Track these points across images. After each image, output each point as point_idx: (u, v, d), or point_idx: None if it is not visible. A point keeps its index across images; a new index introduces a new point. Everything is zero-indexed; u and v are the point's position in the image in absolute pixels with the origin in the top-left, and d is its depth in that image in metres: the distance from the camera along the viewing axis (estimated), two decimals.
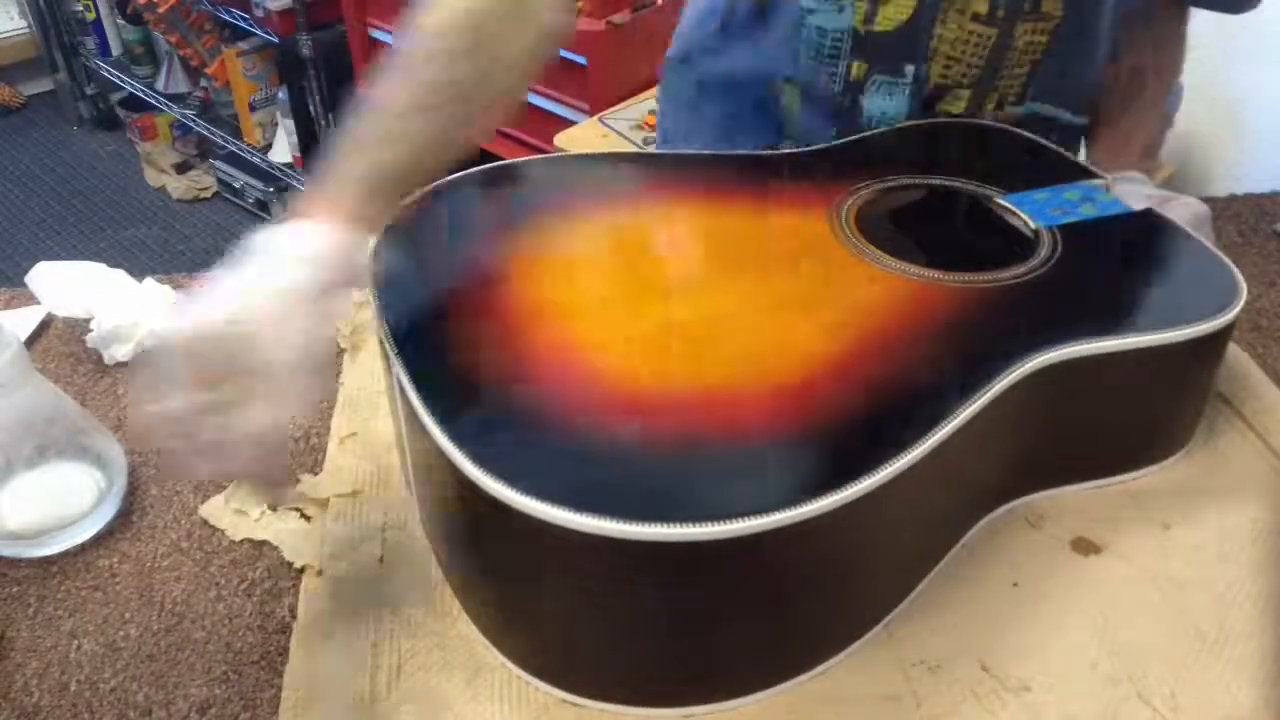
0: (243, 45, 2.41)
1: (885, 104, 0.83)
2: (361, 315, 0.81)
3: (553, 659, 0.55)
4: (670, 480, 0.50)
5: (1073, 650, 0.58)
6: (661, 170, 0.77)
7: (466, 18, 0.60)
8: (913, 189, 0.75)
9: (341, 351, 0.79)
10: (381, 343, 0.59)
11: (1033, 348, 0.59)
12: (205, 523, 0.66)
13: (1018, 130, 0.84)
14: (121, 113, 2.92)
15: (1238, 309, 0.64)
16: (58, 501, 0.65)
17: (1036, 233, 0.70)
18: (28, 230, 2.58)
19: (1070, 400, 0.62)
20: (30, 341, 0.81)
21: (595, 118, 1.74)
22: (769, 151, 0.83)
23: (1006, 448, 0.61)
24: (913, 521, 0.57)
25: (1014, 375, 0.57)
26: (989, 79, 0.82)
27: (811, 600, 0.54)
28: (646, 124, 1.69)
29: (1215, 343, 0.65)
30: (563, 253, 0.66)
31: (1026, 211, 0.71)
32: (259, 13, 2.20)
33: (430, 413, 0.52)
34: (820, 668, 0.56)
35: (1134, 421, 0.67)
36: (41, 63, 2.99)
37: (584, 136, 1.70)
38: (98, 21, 2.83)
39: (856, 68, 0.82)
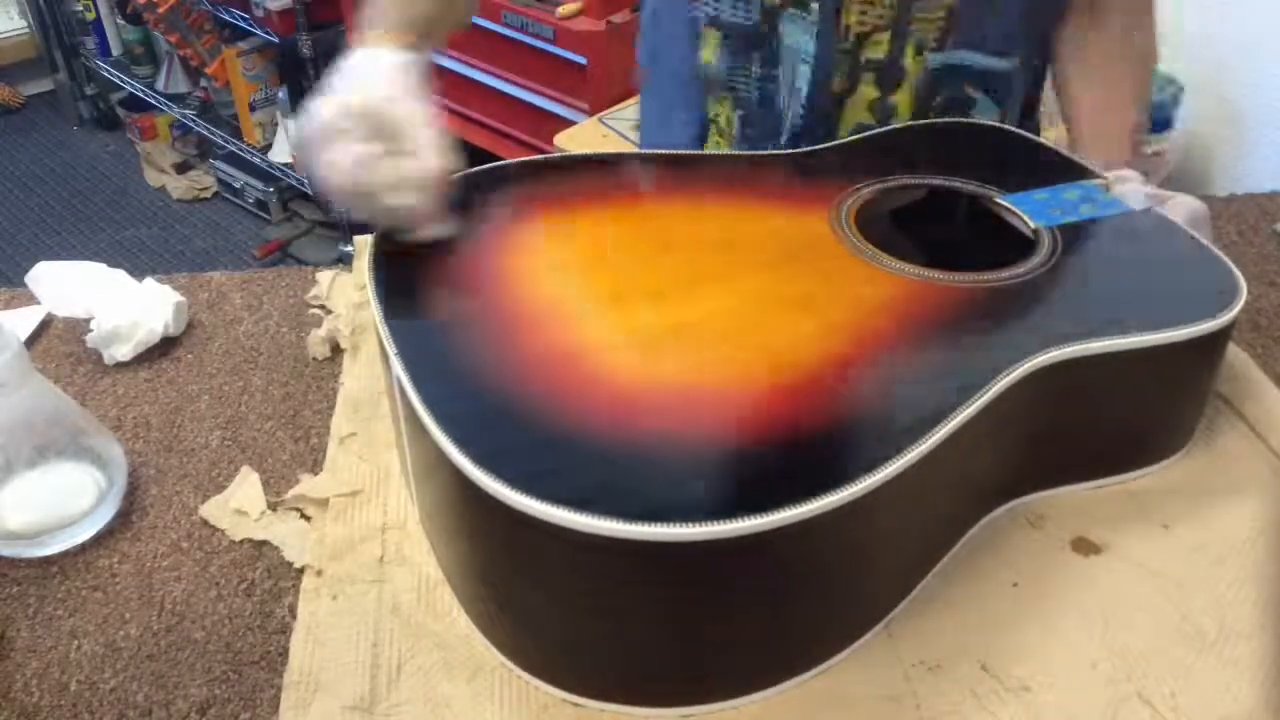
0: (243, 45, 2.41)
1: (801, 40, 0.84)
2: (362, 315, 0.81)
3: (553, 659, 0.55)
4: (670, 480, 0.50)
5: (1073, 650, 0.58)
6: (662, 170, 0.77)
7: None
8: (913, 189, 0.75)
9: (341, 351, 0.79)
10: (381, 343, 0.59)
11: (1033, 348, 0.59)
12: (205, 523, 0.66)
13: (1018, 130, 0.84)
14: (121, 113, 2.93)
15: (1238, 309, 0.64)
16: (58, 501, 0.65)
17: (1036, 232, 0.70)
18: (28, 230, 2.58)
19: (1070, 400, 0.62)
20: (30, 341, 0.81)
21: (595, 118, 1.74)
22: (769, 152, 0.83)
23: (1006, 448, 0.61)
24: (913, 521, 0.57)
25: (1014, 375, 0.57)
26: (905, 22, 0.82)
27: (811, 600, 0.54)
28: None
29: (1215, 343, 0.65)
30: (562, 253, 0.66)
31: (1026, 211, 0.72)
32: (259, 13, 2.20)
33: (430, 413, 0.52)
34: (820, 668, 0.56)
35: (1134, 421, 0.67)
36: (41, 63, 3.00)
37: (584, 136, 1.70)
38: (98, 21, 2.83)
39: None
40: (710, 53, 0.88)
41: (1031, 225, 0.70)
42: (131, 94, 2.81)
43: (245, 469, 0.69)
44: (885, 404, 0.55)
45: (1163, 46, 0.91)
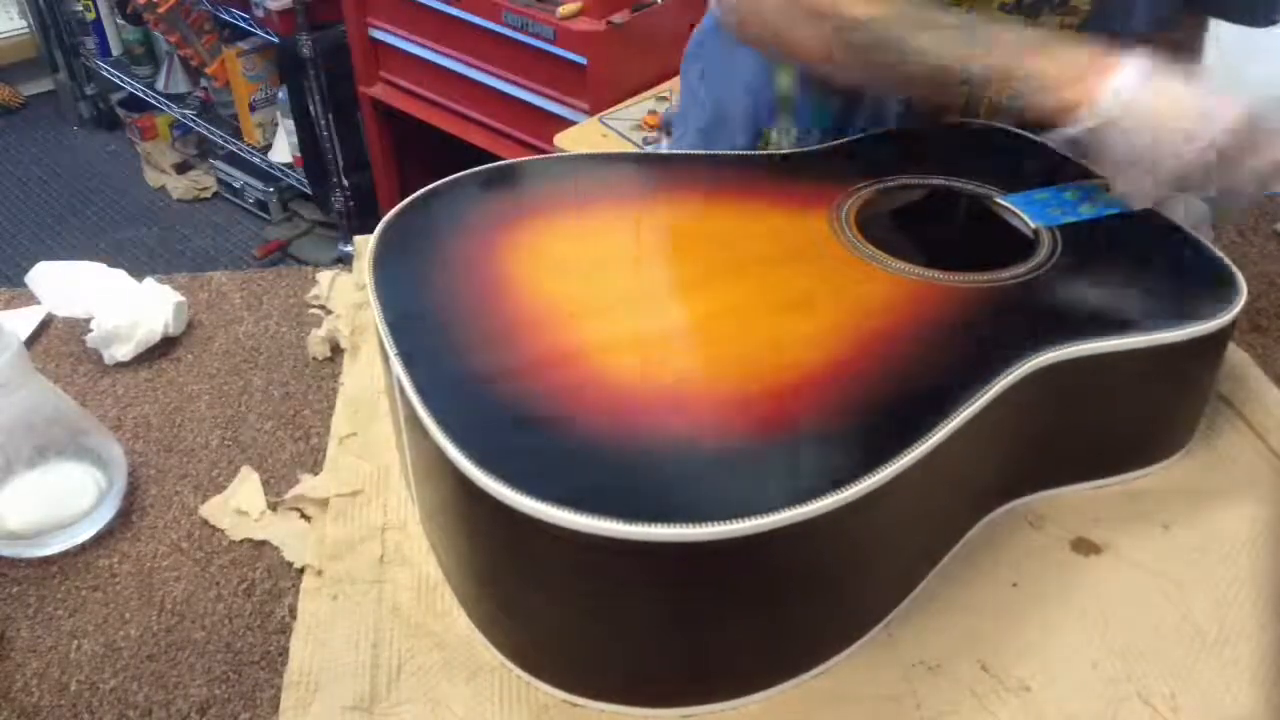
0: (243, 45, 2.41)
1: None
2: (362, 315, 0.81)
3: (553, 659, 0.55)
4: (670, 481, 0.50)
5: (1073, 650, 0.58)
6: (662, 170, 0.77)
7: None
8: (913, 189, 0.75)
9: (341, 351, 0.79)
10: (381, 343, 0.59)
11: (1033, 348, 0.59)
12: (205, 523, 0.66)
13: (1017, 130, 0.84)
14: (121, 113, 2.92)
15: (1238, 309, 0.64)
16: (58, 501, 0.65)
17: (1036, 233, 0.70)
18: (28, 230, 2.58)
19: (1070, 400, 0.62)
20: (30, 341, 0.81)
21: (595, 118, 1.73)
22: (769, 152, 0.83)
23: (1006, 448, 0.61)
24: (913, 521, 0.57)
25: (1014, 375, 0.57)
26: None
27: (811, 600, 0.54)
28: (646, 124, 1.69)
29: (1215, 342, 0.65)
30: (563, 253, 0.66)
31: (1026, 211, 0.71)
32: (259, 13, 2.19)
33: (430, 413, 0.52)
34: (820, 668, 0.56)
35: (1134, 421, 0.67)
36: (41, 63, 3.00)
37: (584, 136, 1.70)
38: (98, 21, 2.83)
39: None
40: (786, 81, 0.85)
41: (1031, 225, 0.70)
42: (131, 94, 2.80)
43: (245, 469, 0.69)
44: (885, 404, 0.55)
45: None
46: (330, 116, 2.21)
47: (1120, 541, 0.64)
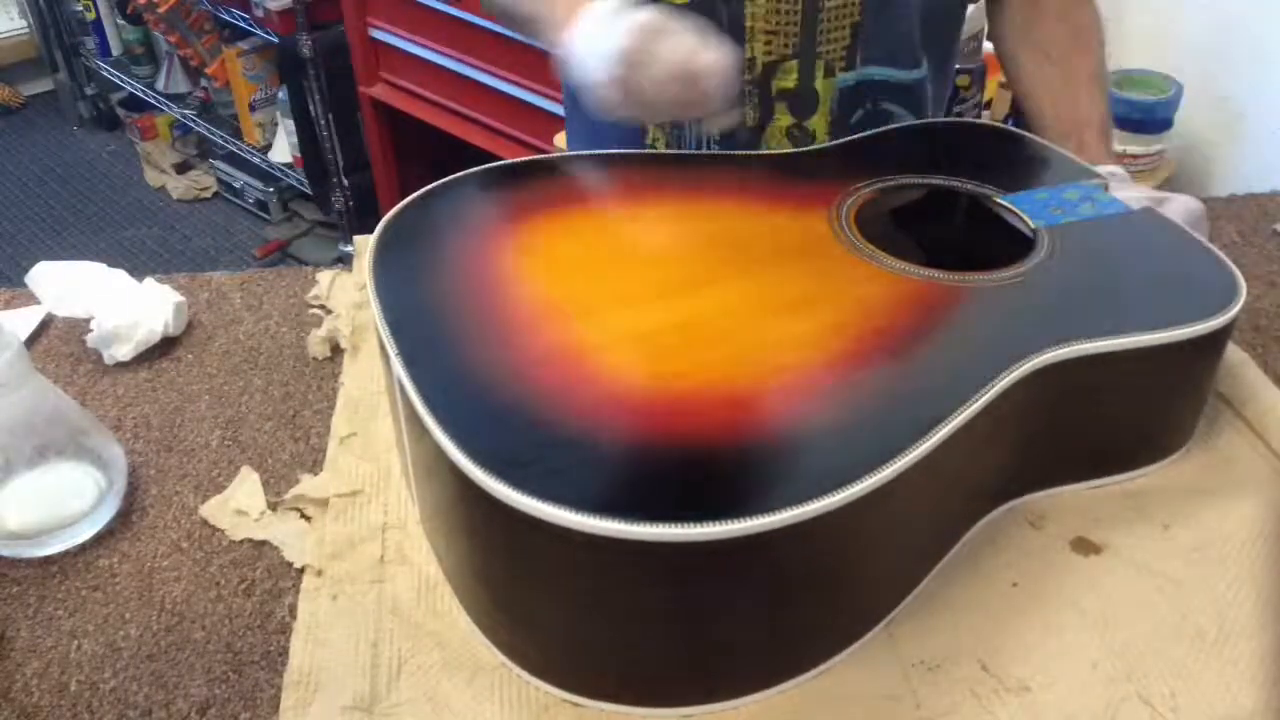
0: (243, 45, 2.41)
1: None
2: (362, 315, 0.81)
3: (553, 659, 0.55)
4: (671, 480, 0.50)
5: (1073, 650, 0.58)
6: (661, 170, 0.77)
7: None
8: (912, 188, 0.75)
9: (341, 351, 0.79)
10: (381, 343, 0.59)
11: (1032, 347, 0.59)
12: (205, 523, 0.66)
13: (1017, 130, 0.84)
14: (121, 113, 2.92)
15: (1238, 309, 0.64)
16: (58, 501, 0.65)
17: (1036, 232, 0.70)
18: (28, 230, 2.58)
19: (1070, 400, 0.62)
20: (30, 341, 0.81)
21: None
22: (769, 152, 0.83)
23: (1007, 447, 0.61)
24: (913, 521, 0.57)
25: (1014, 375, 0.57)
26: (809, 47, 0.82)
27: (812, 600, 0.54)
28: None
29: (1215, 342, 0.65)
30: (563, 252, 0.66)
31: (1026, 211, 0.72)
32: (259, 13, 2.19)
33: (430, 413, 0.52)
34: (820, 667, 0.56)
35: (1134, 421, 0.67)
36: (41, 63, 3.00)
37: None
38: (98, 21, 2.83)
39: None
40: None
41: (1031, 225, 0.70)
42: (131, 94, 2.80)
43: (245, 469, 0.69)
44: (885, 404, 0.55)
45: (1163, 47, 0.91)
46: (330, 116, 2.21)
47: (1120, 541, 0.64)
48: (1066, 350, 0.59)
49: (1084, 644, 0.58)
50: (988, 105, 1.68)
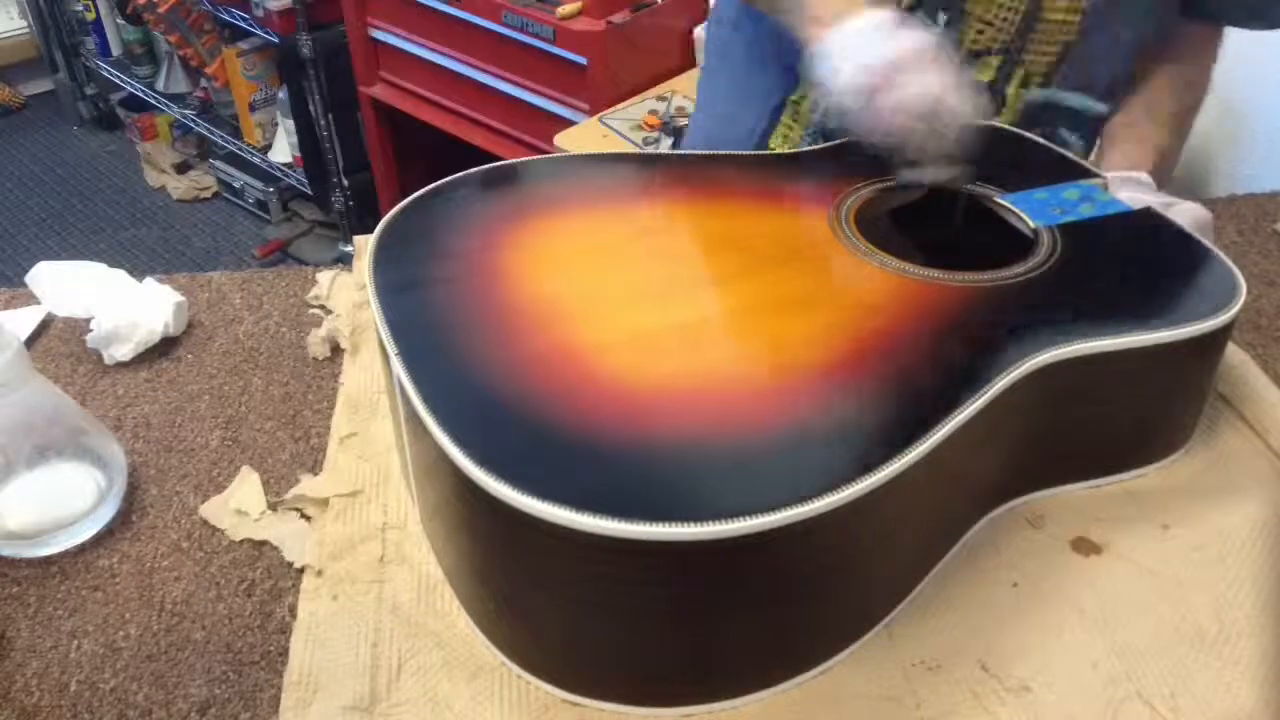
0: (243, 45, 2.41)
1: None
2: (362, 315, 0.81)
3: (553, 659, 0.55)
4: (671, 480, 0.50)
5: (1073, 650, 0.58)
6: (662, 170, 0.77)
7: None
8: (912, 188, 0.75)
9: (341, 351, 0.79)
10: (381, 343, 0.59)
11: (1033, 347, 0.59)
12: (205, 523, 0.66)
13: (1016, 129, 0.84)
14: (121, 113, 2.92)
15: (1238, 309, 0.64)
16: (58, 501, 0.65)
17: (1036, 232, 0.70)
18: (28, 230, 2.58)
19: (1070, 400, 0.62)
20: (30, 341, 0.81)
21: (595, 118, 1.73)
22: (768, 152, 0.83)
23: (1006, 447, 0.61)
24: (913, 521, 0.57)
25: (1014, 375, 0.57)
26: (1018, 49, 0.82)
27: (812, 600, 0.54)
28: (646, 124, 1.69)
29: (1215, 342, 0.65)
30: (563, 253, 0.66)
31: (1026, 211, 0.72)
32: (259, 13, 2.19)
33: (430, 413, 0.52)
34: (820, 667, 0.56)
35: (1134, 421, 0.67)
36: (41, 63, 3.00)
37: (584, 136, 1.70)
38: (98, 21, 2.83)
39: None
40: None
41: (1031, 225, 0.70)
42: (131, 94, 2.80)
43: (245, 469, 0.69)
44: (885, 403, 0.55)
45: None
46: (330, 116, 2.21)
47: (1120, 541, 0.64)
48: (1066, 350, 0.59)
49: (1084, 644, 0.58)
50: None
